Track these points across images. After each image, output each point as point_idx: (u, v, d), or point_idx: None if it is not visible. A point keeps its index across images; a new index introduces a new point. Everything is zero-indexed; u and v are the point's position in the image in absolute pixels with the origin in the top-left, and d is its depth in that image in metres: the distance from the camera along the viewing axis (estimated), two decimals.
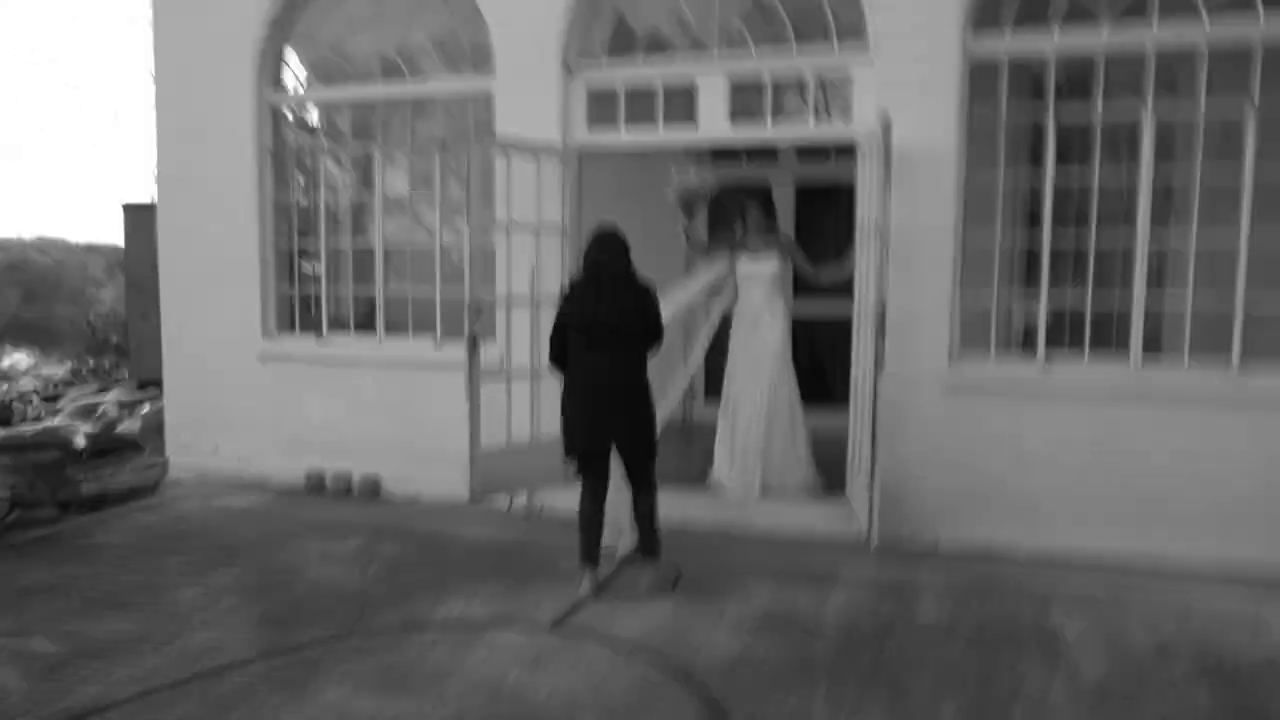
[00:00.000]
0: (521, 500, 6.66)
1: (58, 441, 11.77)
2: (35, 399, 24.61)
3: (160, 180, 7.51)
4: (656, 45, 6.48)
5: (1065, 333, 6.56)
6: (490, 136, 6.38)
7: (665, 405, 6.20)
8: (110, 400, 17.40)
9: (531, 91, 6.51)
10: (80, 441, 13.26)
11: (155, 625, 4.59)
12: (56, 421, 16.41)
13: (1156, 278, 6.56)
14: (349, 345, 7.23)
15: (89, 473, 6.71)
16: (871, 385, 5.42)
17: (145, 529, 6.24)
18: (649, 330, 4.92)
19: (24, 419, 22.30)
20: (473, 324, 5.85)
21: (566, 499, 6.55)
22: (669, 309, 5.87)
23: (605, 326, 4.79)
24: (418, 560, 5.59)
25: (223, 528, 6.25)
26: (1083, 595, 5.11)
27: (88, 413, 16.26)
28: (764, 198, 6.64)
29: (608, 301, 4.80)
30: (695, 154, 8.60)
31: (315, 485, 7.22)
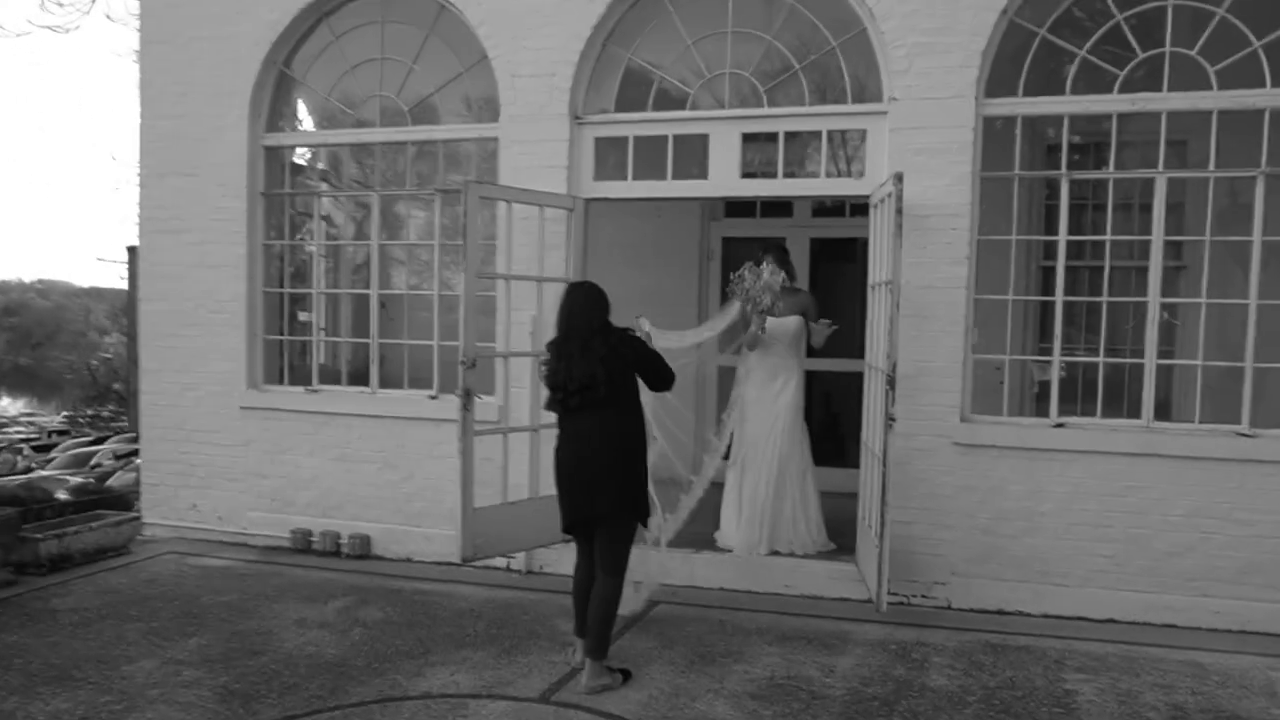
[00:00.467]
0: (520, 560, 6.40)
1: (35, 496, 11.44)
2: (25, 448, 24.26)
3: (143, 222, 7.31)
4: (668, 96, 6.37)
5: (1078, 391, 6.42)
6: (489, 182, 6.24)
7: (699, 482, 6.00)
8: (106, 450, 17.00)
9: (538, 139, 6.37)
10: (61, 495, 12.89)
11: (101, 703, 4.23)
12: (46, 472, 16.09)
13: (1167, 337, 6.49)
14: (339, 396, 6.99)
15: (48, 532, 6.42)
16: (881, 443, 5.21)
17: (109, 592, 5.91)
18: (652, 376, 4.61)
19: (12, 470, 21.96)
20: (466, 377, 5.63)
21: (568, 558, 6.30)
22: (681, 341, 5.74)
23: (575, 386, 4.45)
24: (404, 625, 5.31)
25: (195, 590, 5.94)
26: (1096, 656, 4.95)
27: (81, 463, 15.88)
28: (780, 251, 6.29)
29: (576, 358, 4.47)
30: (709, 204, 8.47)
31: (301, 544, 6.93)
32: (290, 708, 4.16)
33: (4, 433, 26.71)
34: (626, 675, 4.51)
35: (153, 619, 5.37)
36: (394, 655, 4.82)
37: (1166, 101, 5.52)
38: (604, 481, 4.44)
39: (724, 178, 6.16)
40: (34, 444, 23.83)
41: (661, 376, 4.65)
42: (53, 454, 19.88)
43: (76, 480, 10.63)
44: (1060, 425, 5.67)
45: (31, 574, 6.27)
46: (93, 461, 15.87)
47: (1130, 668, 4.76)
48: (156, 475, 7.47)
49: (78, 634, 5.13)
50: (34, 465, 20.46)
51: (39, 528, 6.87)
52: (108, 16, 19.94)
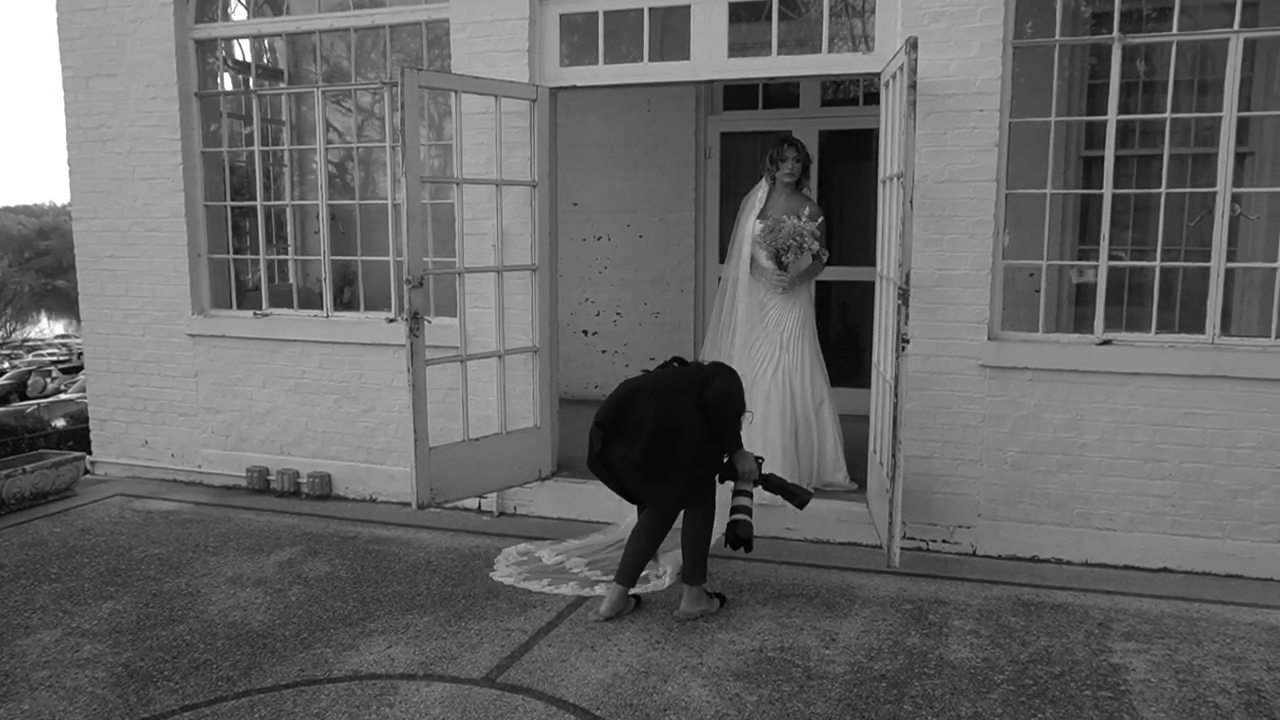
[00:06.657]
0: (491, 500, 5.76)
1: (26, 425, 10.82)
2: (54, 370, 23.94)
3: (69, 132, 6.54)
4: None
5: (1123, 302, 5.59)
6: (434, 69, 5.37)
7: None
8: None
9: (493, 19, 5.47)
10: (59, 423, 12.26)
11: None
12: (68, 395, 15.69)
13: (1234, 237, 5.58)
14: (291, 322, 6.27)
15: None
16: (893, 369, 4.42)
17: (35, 545, 5.34)
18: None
19: (41, 392, 21.63)
20: (413, 298, 4.88)
21: (544, 498, 5.68)
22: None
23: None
24: (349, 582, 4.69)
25: (129, 542, 5.35)
26: (1149, 617, 4.21)
27: None
28: (801, 147, 5.42)
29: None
30: (705, 96, 7.55)
31: (258, 483, 6.33)
32: (190, 694, 3.54)
33: (38, 355, 26.45)
34: (722, 600, 4.35)
35: (72, 578, 4.79)
36: (329, 622, 4.20)
37: None
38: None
39: (708, 57, 5.21)
40: (63, 366, 23.49)
41: None
42: (78, 376, 19.50)
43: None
44: (1106, 343, 4.83)
45: None
46: None
47: (1190, 633, 4.02)
48: (105, 410, 6.87)
49: None
50: (63, 387, 20.12)
51: (24, 459, 6.39)
52: None
